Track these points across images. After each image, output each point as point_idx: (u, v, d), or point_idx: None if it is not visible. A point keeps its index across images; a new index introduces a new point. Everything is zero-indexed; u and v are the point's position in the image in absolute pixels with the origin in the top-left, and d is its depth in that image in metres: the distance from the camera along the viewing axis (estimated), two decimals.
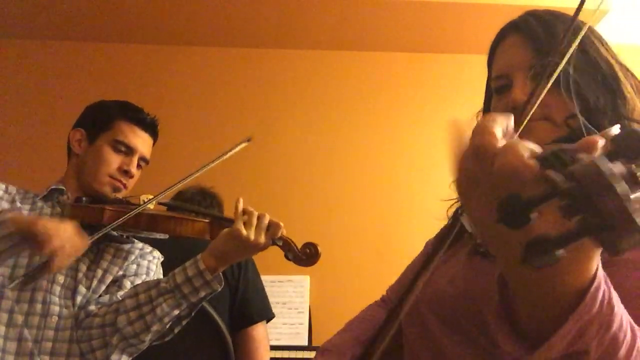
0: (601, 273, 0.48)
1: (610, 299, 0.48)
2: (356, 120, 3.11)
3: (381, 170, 3.06)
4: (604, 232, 0.37)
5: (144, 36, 3.08)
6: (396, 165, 3.06)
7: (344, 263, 2.84)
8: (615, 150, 0.41)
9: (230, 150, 1.46)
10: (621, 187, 0.37)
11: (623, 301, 0.52)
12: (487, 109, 0.92)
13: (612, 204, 0.37)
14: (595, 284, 0.47)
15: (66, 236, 1.15)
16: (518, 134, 0.65)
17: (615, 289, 0.52)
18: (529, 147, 0.45)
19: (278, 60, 3.16)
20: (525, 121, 0.64)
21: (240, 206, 1.30)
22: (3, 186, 1.40)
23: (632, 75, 0.83)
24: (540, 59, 0.79)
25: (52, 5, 2.79)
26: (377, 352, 0.74)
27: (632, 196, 0.37)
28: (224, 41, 3.11)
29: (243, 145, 1.49)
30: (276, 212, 1.32)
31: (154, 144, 1.55)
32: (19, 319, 1.25)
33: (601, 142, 0.45)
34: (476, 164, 0.47)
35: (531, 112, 0.64)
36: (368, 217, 2.98)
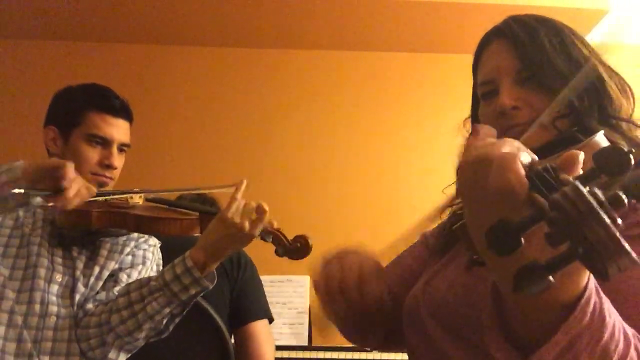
0: (592, 284, 0.48)
1: (601, 310, 0.48)
2: (356, 120, 3.11)
3: (381, 170, 3.05)
4: (592, 258, 0.38)
5: (144, 36, 3.08)
6: (396, 166, 3.06)
7: None
8: (596, 168, 0.41)
9: (216, 188, 1.45)
10: (608, 214, 0.37)
11: (619, 303, 0.52)
12: (474, 115, 0.93)
13: (599, 232, 0.37)
14: (586, 296, 0.47)
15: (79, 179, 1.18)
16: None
17: (610, 291, 0.52)
18: (525, 163, 0.45)
19: (278, 60, 3.16)
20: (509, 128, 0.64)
21: (243, 186, 1.28)
22: None
23: (617, 74, 0.84)
24: (525, 62, 0.80)
25: (52, 5, 2.79)
26: None
27: (618, 222, 0.37)
28: (224, 41, 3.11)
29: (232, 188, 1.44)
30: (275, 214, 1.32)
31: (130, 125, 1.48)
32: (19, 319, 1.25)
33: (581, 157, 0.45)
34: (475, 172, 0.47)
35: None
36: (368, 217, 2.98)
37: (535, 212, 0.40)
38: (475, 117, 0.92)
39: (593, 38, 2.86)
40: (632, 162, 0.40)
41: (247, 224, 1.24)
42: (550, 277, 0.39)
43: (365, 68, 3.17)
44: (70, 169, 1.14)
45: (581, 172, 0.45)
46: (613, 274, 0.38)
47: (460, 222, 0.61)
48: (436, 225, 1.00)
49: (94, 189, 1.22)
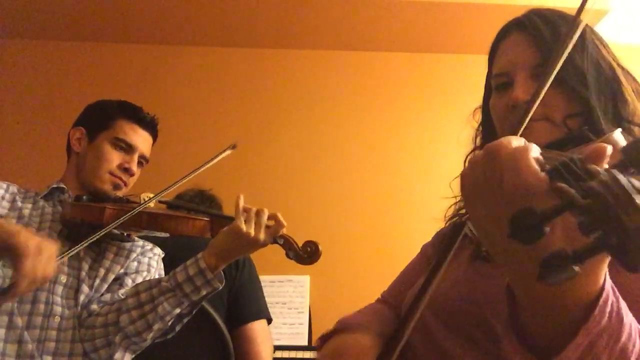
0: (609, 284, 0.48)
1: (619, 309, 0.48)
2: (356, 120, 3.11)
3: (381, 170, 3.05)
4: (624, 248, 0.37)
5: (144, 36, 3.08)
6: (396, 165, 3.06)
7: (344, 263, 2.83)
8: (625, 161, 0.40)
9: (215, 157, 1.46)
10: None
11: (630, 302, 0.52)
12: (486, 106, 0.91)
13: (637, 219, 0.36)
14: (604, 296, 0.47)
15: (44, 258, 1.07)
16: (519, 134, 0.65)
17: (620, 289, 0.51)
18: (538, 157, 0.44)
19: (278, 60, 3.16)
20: (526, 121, 0.64)
21: (241, 202, 1.29)
22: (4, 185, 1.39)
23: (634, 79, 0.83)
24: (544, 57, 0.78)
25: (52, 5, 2.79)
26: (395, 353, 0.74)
27: None
28: (224, 41, 3.11)
29: (227, 152, 1.49)
30: (277, 212, 1.32)
31: (153, 143, 1.55)
32: (19, 321, 1.24)
33: (609, 150, 0.44)
34: (485, 172, 0.47)
35: (531, 113, 0.64)
36: (368, 217, 2.98)
37: (564, 201, 0.39)
38: (486, 108, 0.91)
39: None
40: None
41: (261, 235, 1.27)
42: (577, 267, 0.38)
43: (365, 68, 3.16)
44: (26, 256, 1.04)
45: (606, 166, 0.44)
46: None
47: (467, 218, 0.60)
48: (435, 234, 1.00)
49: (51, 270, 1.09)
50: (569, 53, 0.76)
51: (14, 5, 2.78)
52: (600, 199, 0.37)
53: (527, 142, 0.48)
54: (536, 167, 0.44)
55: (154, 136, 1.55)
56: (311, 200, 2.97)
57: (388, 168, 3.05)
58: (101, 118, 1.49)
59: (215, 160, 1.46)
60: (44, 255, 1.08)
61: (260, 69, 3.15)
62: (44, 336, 1.26)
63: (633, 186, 0.37)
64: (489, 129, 0.90)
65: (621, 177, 0.37)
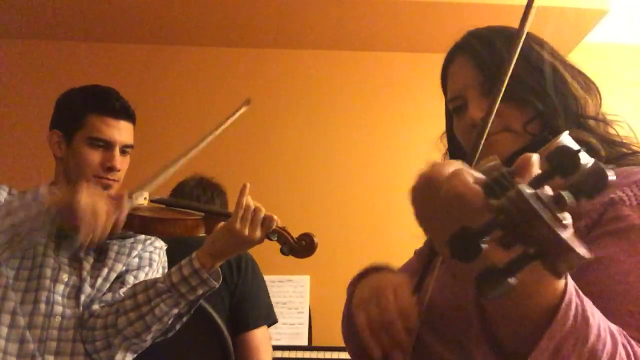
0: (572, 287, 0.49)
1: (584, 311, 0.48)
2: (356, 120, 3.11)
3: (381, 170, 3.05)
4: (543, 257, 0.38)
5: (144, 36, 3.08)
6: (396, 165, 3.06)
7: (344, 263, 2.83)
8: (550, 169, 0.41)
9: (230, 116, 1.43)
10: (547, 214, 0.38)
11: (602, 300, 0.53)
12: (450, 131, 0.96)
13: (543, 232, 0.37)
14: (566, 299, 0.47)
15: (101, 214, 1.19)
16: (481, 149, 0.68)
17: (591, 287, 0.52)
18: (473, 174, 0.46)
19: (278, 60, 3.16)
20: (483, 140, 0.67)
21: (247, 191, 1.27)
22: (7, 188, 1.39)
23: (580, 72, 0.85)
24: (486, 74, 0.83)
25: (52, 5, 2.79)
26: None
27: (564, 221, 0.38)
28: (224, 41, 3.11)
29: (243, 109, 1.46)
30: (276, 213, 1.32)
31: (134, 126, 1.47)
32: (21, 320, 1.25)
33: (535, 159, 0.46)
34: (426, 193, 0.49)
35: (486, 131, 0.66)
36: (368, 217, 2.98)
37: (493, 217, 0.40)
38: (450, 134, 0.95)
39: (593, 38, 2.86)
40: (582, 160, 0.40)
41: (255, 234, 1.25)
42: (511, 280, 0.39)
43: (365, 68, 3.17)
44: (85, 214, 1.16)
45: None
46: (564, 271, 0.38)
47: None
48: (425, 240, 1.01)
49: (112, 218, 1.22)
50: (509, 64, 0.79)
51: (14, 5, 2.78)
52: (508, 215, 0.39)
53: (460, 164, 0.50)
54: (469, 178, 0.45)
55: (132, 121, 1.46)
56: (311, 200, 2.97)
57: (388, 168, 3.05)
58: (71, 116, 1.43)
59: (230, 120, 1.42)
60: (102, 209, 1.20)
61: (260, 69, 3.15)
62: (45, 336, 1.26)
63: (539, 200, 0.38)
64: (456, 153, 0.95)
65: (525, 193, 0.38)
